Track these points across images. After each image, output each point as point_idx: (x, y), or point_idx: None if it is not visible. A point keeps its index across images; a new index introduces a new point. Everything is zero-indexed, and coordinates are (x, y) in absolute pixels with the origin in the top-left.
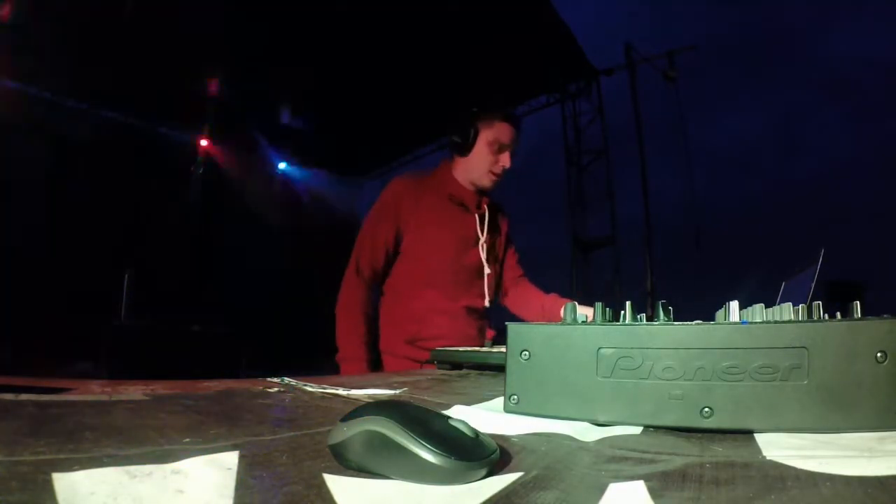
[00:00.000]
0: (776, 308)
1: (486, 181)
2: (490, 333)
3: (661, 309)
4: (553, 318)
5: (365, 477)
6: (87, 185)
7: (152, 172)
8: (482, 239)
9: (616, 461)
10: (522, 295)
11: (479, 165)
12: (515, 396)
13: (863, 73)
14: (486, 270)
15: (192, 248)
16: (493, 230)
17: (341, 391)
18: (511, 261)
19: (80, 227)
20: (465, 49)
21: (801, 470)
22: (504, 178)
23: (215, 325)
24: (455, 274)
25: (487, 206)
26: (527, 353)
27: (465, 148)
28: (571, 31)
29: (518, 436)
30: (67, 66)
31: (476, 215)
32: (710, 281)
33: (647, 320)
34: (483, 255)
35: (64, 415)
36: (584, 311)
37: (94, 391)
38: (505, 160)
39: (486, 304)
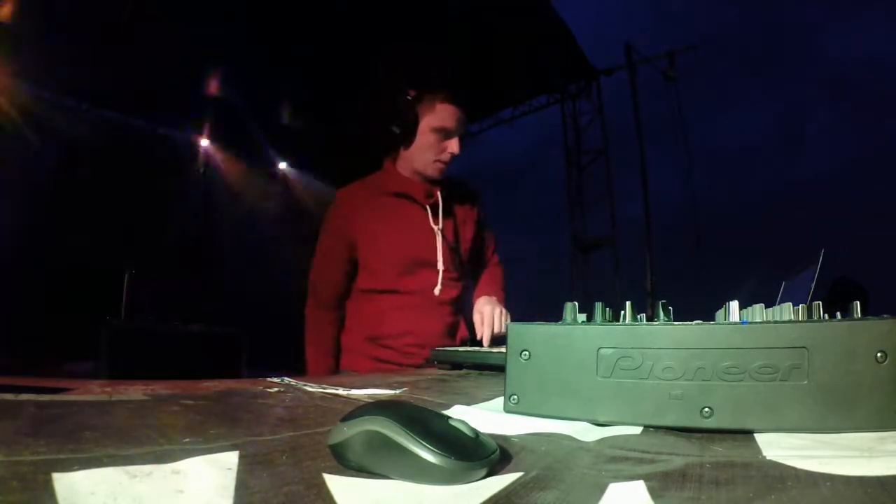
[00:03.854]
0: (776, 308)
1: (431, 171)
2: (463, 331)
3: (661, 309)
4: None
5: (365, 477)
6: (87, 185)
7: (152, 172)
8: (437, 229)
9: (616, 461)
10: (479, 282)
11: (423, 155)
12: (515, 396)
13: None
14: (440, 264)
15: (192, 248)
16: (453, 217)
17: (341, 391)
18: (484, 250)
19: (80, 227)
20: (465, 49)
21: (801, 470)
22: (452, 165)
23: (215, 325)
24: (411, 271)
25: (443, 192)
26: (527, 353)
27: (406, 138)
28: (571, 31)
29: (518, 436)
30: (67, 66)
31: (428, 206)
32: (710, 281)
33: (647, 320)
34: (439, 247)
35: (64, 415)
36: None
37: (94, 391)
38: (453, 146)
39: (436, 292)
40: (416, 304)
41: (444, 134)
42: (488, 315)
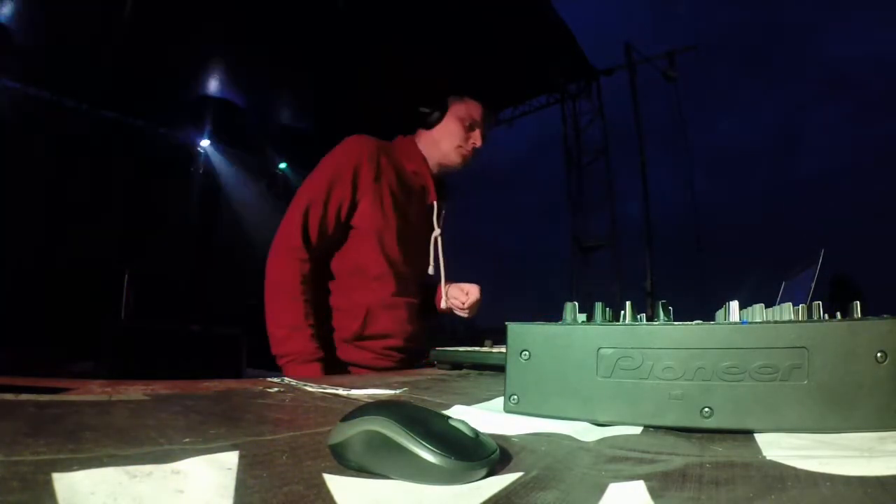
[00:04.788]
0: (776, 308)
1: (455, 157)
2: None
3: (661, 309)
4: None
5: (365, 477)
6: (87, 185)
7: (152, 172)
8: (437, 231)
9: (616, 461)
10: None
11: (448, 140)
12: (515, 396)
13: (863, 72)
14: (431, 269)
15: (192, 248)
16: (440, 222)
17: (341, 391)
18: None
19: (80, 226)
20: (465, 49)
21: (801, 470)
22: (477, 159)
23: (215, 325)
24: (408, 266)
25: (439, 191)
26: (527, 353)
27: (432, 120)
28: (571, 31)
29: (518, 436)
30: (67, 66)
31: (435, 203)
32: (710, 281)
33: (647, 320)
34: (438, 240)
35: (64, 415)
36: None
37: (94, 391)
38: (476, 138)
39: (443, 305)
40: (403, 306)
41: (470, 125)
42: (475, 289)
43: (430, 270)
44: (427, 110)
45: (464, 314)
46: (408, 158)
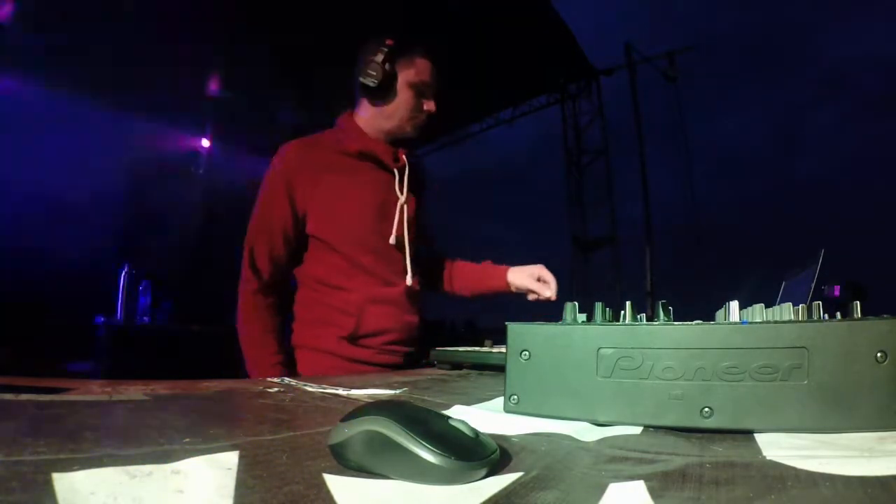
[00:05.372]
0: (776, 308)
1: (409, 129)
2: (422, 322)
3: (661, 309)
4: (489, 284)
5: (365, 477)
6: (88, 185)
7: (152, 172)
8: (401, 200)
9: (616, 461)
10: (451, 267)
11: (400, 112)
12: (515, 396)
13: (863, 72)
14: (406, 245)
15: (192, 247)
16: (415, 191)
17: (341, 391)
18: (431, 238)
19: (79, 226)
20: (465, 49)
21: (801, 470)
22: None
23: (215, 325)
24: (383, 250)
25: (407, 158)
26: (527, 353)
27: (381, 92)
28: (571, 31)
29: (518, 436)
30: (68, 66)
31: (395, 170)
32: (710, 281)
33: (647, 320)
34: (404, 223)
35: (64, 415)
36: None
37: (94, 391)
38: (430, 105)
39: (408, 282)
40: (389, 298)
41: (422, 91)
42: (550, 274)
43: (392, 240)
44: (371, 82)
45: (552, 298)
46: (349, 138)
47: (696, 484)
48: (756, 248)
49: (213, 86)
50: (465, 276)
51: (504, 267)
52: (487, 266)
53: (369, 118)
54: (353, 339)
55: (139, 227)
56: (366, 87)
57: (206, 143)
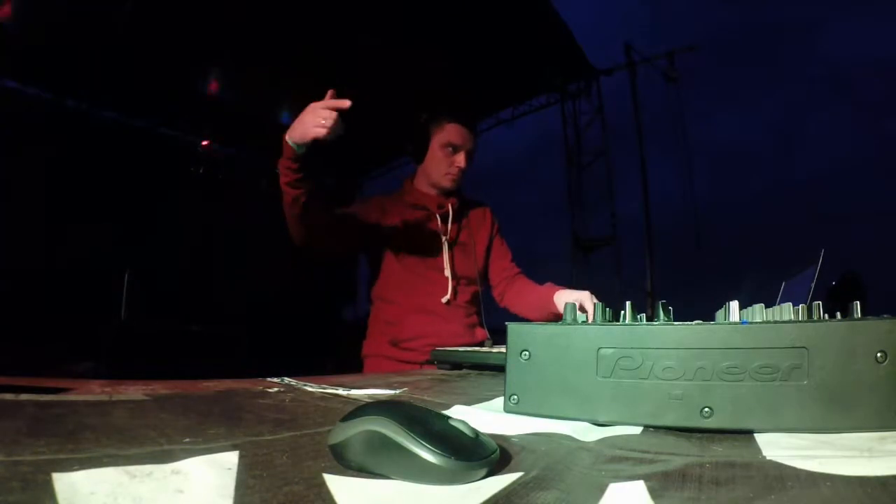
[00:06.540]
0: (776, 308)
1: (445, 182)
2: (481, 333)
3: (661, 309)
4: (548, 308)
5: (365, 477)
6: (87, 185)
7: (152, 172)
8: (445, 237)
9: (616, 461)
10: (519, 292)
11: (435, 169)
12: (515, 396)
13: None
14: (446, 269)
15: (192, 247)
16: (465, 228)
17: (341, 391)
18: (501, 259)
19: (80, 226)
20: (465, 49)
21: (801, 470)
22: (466, 178)
23: (215, 325)
24: (424, 275)
25: (455, 205)
26: (527, 353)
27: (419, 154)
28: (571, 31)
29: (518, 436)
30: (68, 67)
31: (438, 215)
32: (710, 281)
33: (647, 320)
34: (445, 252)
35: (64, 415)
36: (578, 297)
37: (94, 391)
38: (459, 160)
39: (445, 300)
40: (428, 309)
41: (453, 149)
42: (591, 304)
43: (447, 272)
44: (412, 148)
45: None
46: (406, 194)
47: (696, 484)
48: (756, 248)
49: (213, 86)
50: (525, 304)
51: (554, 290)
52: (542, 292)
53: (418, 176)
54: (396, 343)
55: (140, 228)
56: (409, 152)
57: (205, 142)
